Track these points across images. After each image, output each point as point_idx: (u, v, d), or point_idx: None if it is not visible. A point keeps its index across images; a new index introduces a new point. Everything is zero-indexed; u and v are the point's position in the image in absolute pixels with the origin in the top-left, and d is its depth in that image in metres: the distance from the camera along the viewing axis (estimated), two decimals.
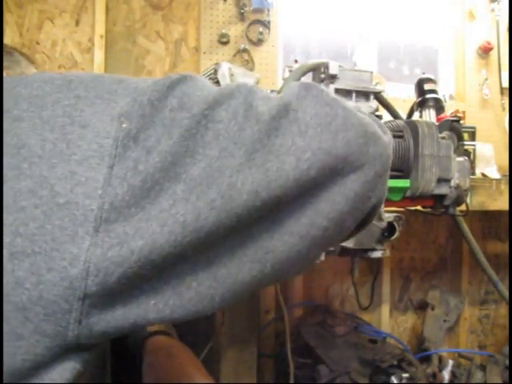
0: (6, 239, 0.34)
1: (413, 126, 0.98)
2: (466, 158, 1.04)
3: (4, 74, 0.66)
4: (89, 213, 0.35)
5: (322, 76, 0.87)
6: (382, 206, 0.91)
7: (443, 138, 1.00)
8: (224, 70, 0.90)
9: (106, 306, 0.36)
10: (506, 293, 1.55)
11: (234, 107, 0.41)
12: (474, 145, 1.69)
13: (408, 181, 0.97)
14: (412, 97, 1.27)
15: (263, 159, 0.40)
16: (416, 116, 1.24)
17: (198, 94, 0.41)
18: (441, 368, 1.76)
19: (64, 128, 0.38)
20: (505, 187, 1.45)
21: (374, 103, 0.88)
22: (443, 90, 2.14)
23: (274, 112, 0.42)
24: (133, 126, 0.38)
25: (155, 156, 0.37)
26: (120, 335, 0.39)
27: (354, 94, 0.86)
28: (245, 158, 0.40)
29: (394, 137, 0.98)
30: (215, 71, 0.92)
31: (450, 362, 1.78)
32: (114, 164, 0.36)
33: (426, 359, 1.82)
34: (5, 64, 0.67)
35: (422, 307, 2.07)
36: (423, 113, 1.21)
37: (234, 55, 1.86)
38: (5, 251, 0.34)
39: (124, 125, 0.38)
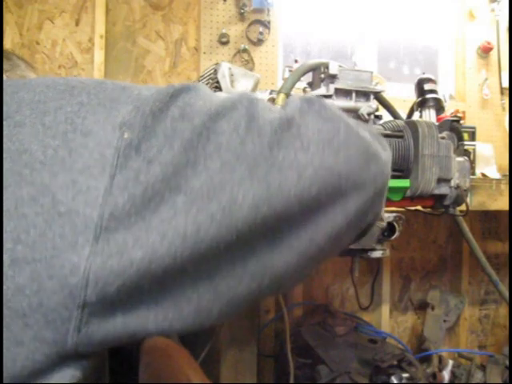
0: (7, 245, 0.34)
1: (413, 126, 0.98)
2: (466, 157, 1.03)
3: (4, 77, 0.66)
4: (89, 221, 0.35)
5: (322, 76, 0.86)
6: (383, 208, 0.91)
7: (443, 138, 1.00)
8: (224, 70, 0.90)
9: (106, 315, 0.36)
10: (506, 293, 1.55)
11: (235, 119, 0.41)
12: (474, 145, 1.69)
13: (408, 181, 0.96)
14: (412, 97, 1.27)
15: (265, 173, 0.40)
16: (416, 116, 1.24)
17: (200, 104, 0.41)
18: (441, 368, 1.76)
19: (66, 135, 0.37)
20: (505, 187, 1.45)
21: (374, 103, 0.87)
22: (443, 90, 2.14)
23: (276, 125, 0.42)
24: (134, 136, 0.38)
25: (156, 166, 0.37)
26: (119, 345, 0.39)
27: (353, 94, 0.86)
28: (246, 172, 0.39)
29: (394, 137, 0.97)
30: (215, 71, 0.91)
31: (450, 362, 1.78)
32: (116, 174, 0.36)
33: (426, 359, 1.82)
34: (5, 67, 0.67)
35: (422, 307, 2.07)
36: (423, 113, 1.21)
37: (234, 55, 1.86)
38: (5, 257, 0.34)
39: (126, 135, 0.38)
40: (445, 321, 1.99)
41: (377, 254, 0.89)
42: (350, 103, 0.87)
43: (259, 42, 1.89)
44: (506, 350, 1.79)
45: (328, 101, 0.52)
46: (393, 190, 0.96)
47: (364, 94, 0.88)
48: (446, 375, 1.74)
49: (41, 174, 0.36)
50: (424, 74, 1.27)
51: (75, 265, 0.35)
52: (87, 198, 0.35)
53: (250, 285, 0.41)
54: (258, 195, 0.39)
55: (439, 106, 1.21)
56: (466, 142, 1.64)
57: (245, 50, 1.87)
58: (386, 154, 0.49)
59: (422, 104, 1.21)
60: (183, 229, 0.37)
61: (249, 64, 1.87)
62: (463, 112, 1.96)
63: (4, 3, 1.63)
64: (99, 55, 1.73)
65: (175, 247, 0.37)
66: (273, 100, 0.82)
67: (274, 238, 0.41)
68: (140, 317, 0.38)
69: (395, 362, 1.54)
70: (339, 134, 0.43)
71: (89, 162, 0.36)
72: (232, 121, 0.41)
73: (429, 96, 1.20)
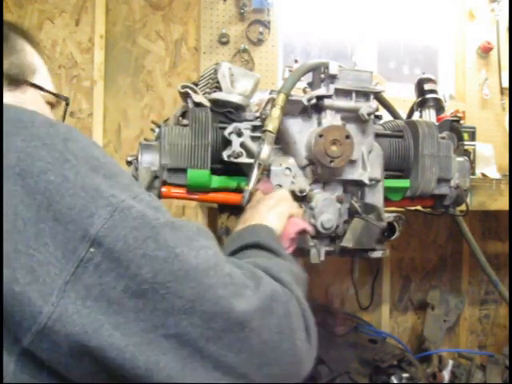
0: None
1: (413, 126, 0.98)
2: (466, 157, 1.04)
3: None
4: (37, 315, 0.38)
5: (322, 76, 0.86)
6: (382, 207, 0.91)
7: (443, 138, 1.00)
8: (224, 69, 0.90)
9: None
10: (506, 293, 1.55)
11: (195, 293, 0.43)
12: (474, 145, 1.69)
13: (408, 181, 0.96)
14: (412, 97, 1.27)
15: (193, 360, 0.42)
16: (416, 116, 1.24)
17: (177, 253, 0.43)
18: (441, 368, 1.76)
19: (39, 210, 0.39)
20: (505, 187, 1.45)
21: (374, 103, 0.87)
22: (443, 89, 2.14)
23: (229, 322, 0.43)
24: (99, 253, 0.40)
25: (103, 301, 0.40)
26: None
27: (353, 94, 0.86)
28: (176, 347, 0.42)
29: (394, 137, 0.98)
30: (215, 71, 0.91)
31: (450, 362, 1.77)
32: (69, 281, 0.39)
33: (426, 359, 1.82)
34: None
35: (422, 307, 2.07)
36: (423, 113, 1.21)
37: (234, 55, 1.86)
38: None
39: (92, 249, 0.40)
40: (445, 321, 1.98)
41: (377, 254, 0.89)
42: (350, 103, 0.87)
43: (259, 42, 1.89)
44: (506, 349, 1.79)
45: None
46: (393, 189, 0.96)
47: (364, 94, 0.88)
48: (445, 375, 1.74)
49: (6, 243, 0.38)
50: (424, 74, 1.27)
51: (12, 349, 0.39)
52: (42, 291, 0.39)
53: None
54: (175, 371, 0.42)
55: (439, 106, 1.21)
56: (465, 142, 1.64)
57: (245, 50, 1.87)
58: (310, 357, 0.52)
59: (421, 104, 1.21)
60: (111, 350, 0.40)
61: (249, 64, 1.87)
62: (463, 112, 1.96)
63: (4, 3, 1.63)
64: (99, 55, 1.73)
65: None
66: (273, 100, 0.82)
67: None
68: None
69: (395, 362, 1.54)
70: (276, 350, 0.46)
71: (50, 259, 0.39)
72: (194, 292, 0.43)
73: (429, 96, 1.20)
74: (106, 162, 0.45)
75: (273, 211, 0.70)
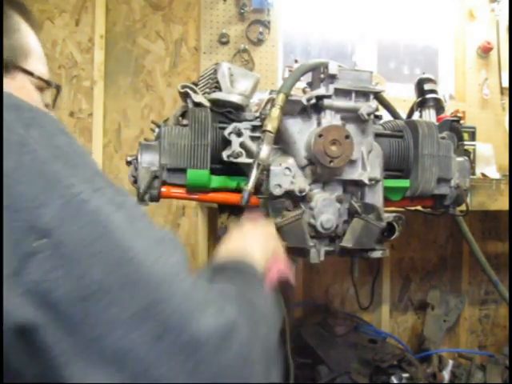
0: None
1: (413, 126, 0.98)
2: (466, 157, 1.04)
3: None
4: None
5: (322, 76, 0.86)
6: (382, 207, 0.91)
7: (443, 138, 1.00)
8: (224, 69, 0.90)
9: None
10: (506, 293, 1.55)
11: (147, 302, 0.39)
12: (474, 145, 1.69)
13: (408, 181, 0.96)
14: (412, 97, 1.27)
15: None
16: (416, 116, 1.24)
17: (130, 256, 0.39)
18: (441, 368, 1.76)
19: None
20: (505, 187, 1.45)
21: (373, 103, 0.87)
22: (443, 90, 2.14)
23: (181, 340, 0.38)
24: (46, 248, 0.36)
25: (43, 301, 0.36)
26: None
27: (353, 94, 0.86)
28: (116, 367, 0.37)
29: (394, 137, 0.98)
30: (215, 71, 0.91)
31: (450, 362, 1.78)
32: (12, 275, 0.36)
33: (426, 359, 1.82)
34: None
35: (422, 307, 2.07)
36: (423, 113, 1.20)
37: (234, 55, 1.86)
38: None
39: (38, 242, 0.36)
40: (445, 321, 1.98)
41: (377, 254, 0.89)
42: (349, 103, 0.87)
43: (259, 42, 1.89)
44: (506, 349, 1.79)
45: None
46: (393, 189, 0.96)
47: (364, 94, 0.88)
48: (445, 375, 1.74)
49: None
50: (424, 74, 1.27)
51: None
52: None
53: None
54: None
55: (439, 106, 1.21)
56: (465, 142, 1.64)
57: (245, 50, 1.87)
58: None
59: (421, 104, 1.21)
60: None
61: (249, 64, 1.87)
62: (463, 112, 1.96)
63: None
64: (99, 55, 1.73)
65: None
66: (272, 100, 0.82)
67: None
68: None
69: (395, 362, 1.54)
70: (233, 369, 0.40)
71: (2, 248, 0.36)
72: (146, 301, 0.38)
73: (429, 96, 1.20)
74: (70, 151, 0.42)
75: (259, 247, 0.65)
